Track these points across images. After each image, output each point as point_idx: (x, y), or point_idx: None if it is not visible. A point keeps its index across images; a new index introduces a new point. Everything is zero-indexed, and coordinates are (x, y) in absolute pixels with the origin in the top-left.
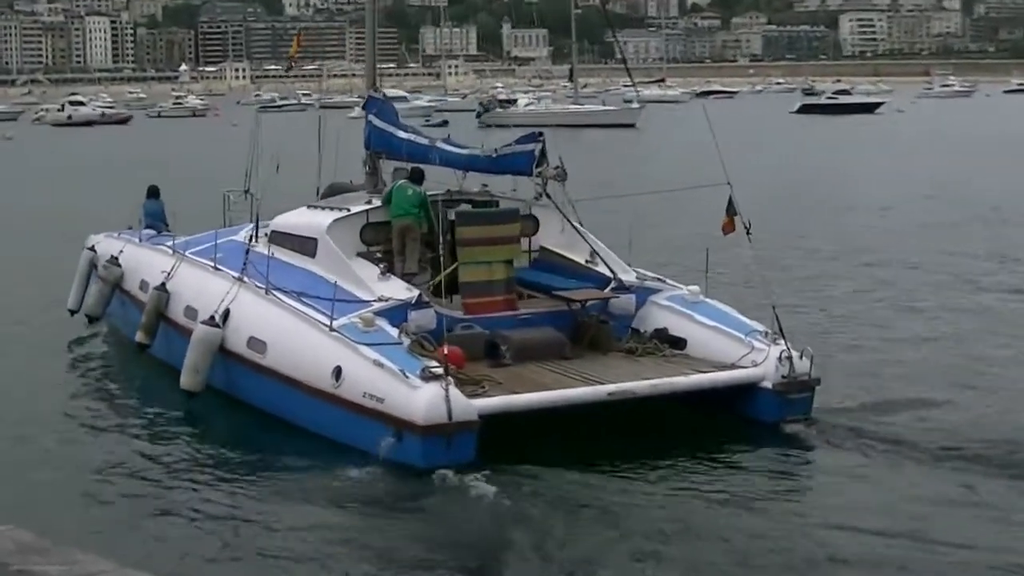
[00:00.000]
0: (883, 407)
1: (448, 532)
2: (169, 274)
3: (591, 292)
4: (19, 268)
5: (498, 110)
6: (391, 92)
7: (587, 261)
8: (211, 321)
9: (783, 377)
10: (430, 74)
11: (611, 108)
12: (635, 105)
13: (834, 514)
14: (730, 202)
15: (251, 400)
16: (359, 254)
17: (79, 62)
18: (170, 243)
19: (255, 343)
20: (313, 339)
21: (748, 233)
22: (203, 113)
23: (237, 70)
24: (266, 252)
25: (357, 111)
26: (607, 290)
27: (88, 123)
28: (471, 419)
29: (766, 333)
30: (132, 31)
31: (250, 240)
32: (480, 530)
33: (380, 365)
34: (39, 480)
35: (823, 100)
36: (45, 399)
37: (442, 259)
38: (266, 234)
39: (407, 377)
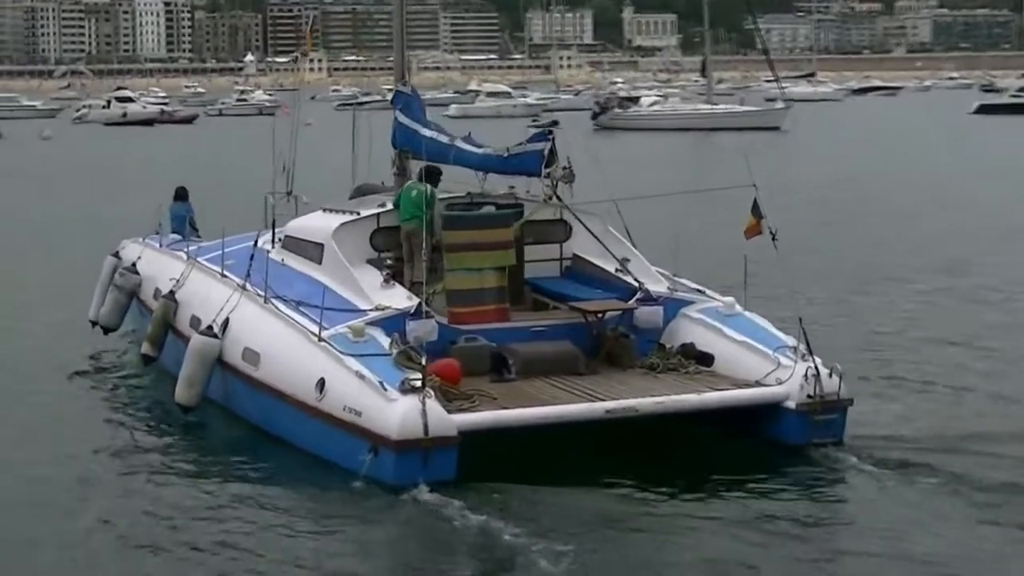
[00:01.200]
0: (925, 432)
1: (408, 554)
2: (179, 282)
3: (608, 303)
4: (54, 275)
5: (617, 110)
6: (491, 88)
7: (617, 270)
8: (208, 331)
9: (809, 396)
10: (538, 67)
11: (751, 108)
12: (780, 104)
13: (855, 545)
14: (755, 204)
15: (246, 415)
16: (369, 261)
17: (127, 51)
18: (188, 249)
19: (249, 354)
20: (301, 350)
21: (774, 239)
22: (271, 111)
23: (312, 61)
24: (277, 258)
25: (454, 109)
26: (632, 301)
27: (146, 122)
28: (449, 435)
29: (795, 348)
30: (189, 15)
31: (254, 244)
32: (440, 553)
33: (361, 377)
34: (7, 500)
35: (1006, 99)
36: (37, 414)
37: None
38: (280, 239)
39: (385, 390)
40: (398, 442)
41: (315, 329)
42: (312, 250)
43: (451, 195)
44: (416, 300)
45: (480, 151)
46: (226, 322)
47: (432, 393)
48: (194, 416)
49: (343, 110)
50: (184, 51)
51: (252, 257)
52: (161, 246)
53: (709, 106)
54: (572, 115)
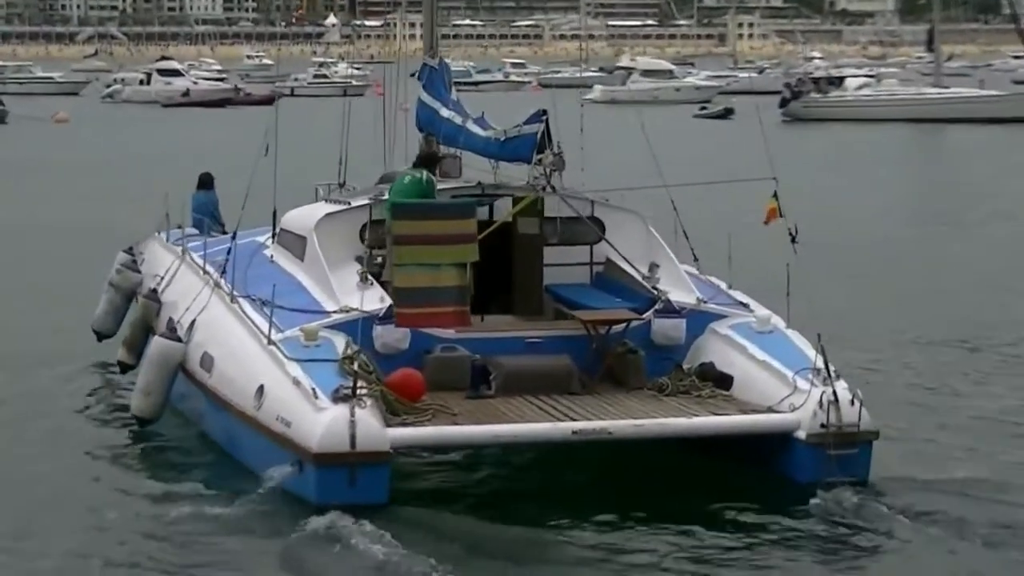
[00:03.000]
0: (973, 475)
1: None
2: (164, 280)
3: (614, 313)
4: (74, 281)
5: (814, 95)
6: (647, 64)
7: (644, 277)
8: (171, 333)
9: (822, 426)
10: (709, 36)
11: (994, 93)
12: None
13: None
14: (775, 195)
15: (201, 426)
16: (358, 257)
17: (172, 9)
18: (186, 243)
19: (207, 359)
20: (249, 354)
21: (794, 241)
22: (359, 91)
23: (413, 26)
24: (268, 254)
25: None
26: (649, 312)
27: (216, 103)
28: (380, 450)
29: (818, 371)
30: None
31: (232, 237)
32: None
33: (297, 384)
34: None
35: None
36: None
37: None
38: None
39: (317, 398)
40: (318, 456)
41: (267, 332)
42: (296, 244)
43: (457, 185)
44: (389, 303)
45: (483, 134)
46: (192, 324)
47: (369, 403)
48: (151, 430)
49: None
50: (246, 11)
51: (229, 251)
52: (168, 240)
53: (937, 90)
54: (754, 101)
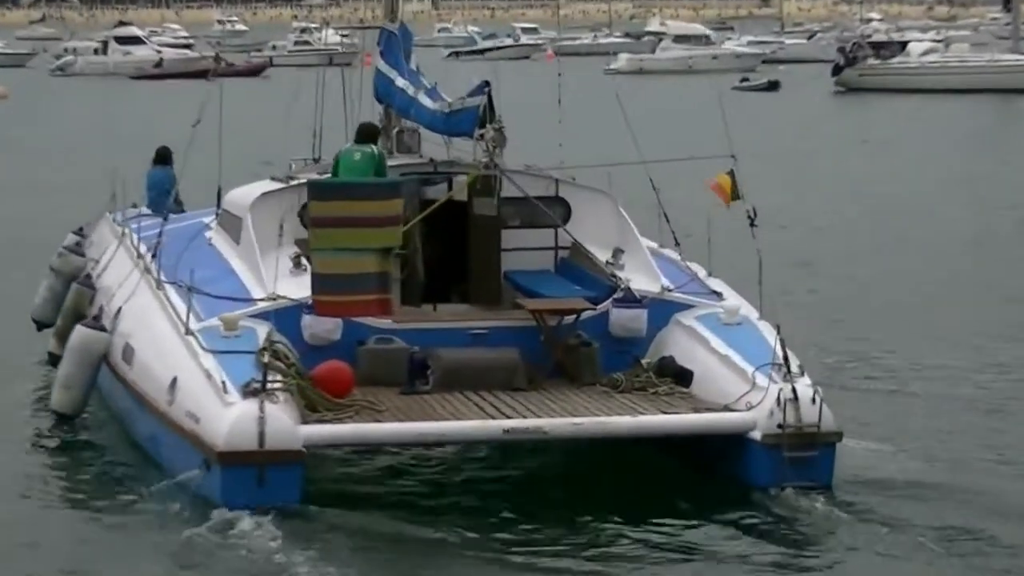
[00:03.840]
0: (950, 479)
1: None
2: (101, 264)
3: (565, 302)
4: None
5: (872, 62)
6: (680, 29)
7: (608, 262)
8: (94, 322)
9: (779, 426)
10: None
11: None
12: None
13: None
14: (732, 176)
15: (123, 423)
16: (299, 241)
17: None
18: (127, 225)
19: (127, 351)
20: (166, 345)
21: (752, 224)
22: (346, 60)
23: None
24: (208, 235)
25: (624, 60)
26: (607, 302)
27: (195, 74)
28: (291, 448)
29: (779, 367)
30: None
31: (164, 219)
32: None
33: (209, 377)
34: None
35: None
36: None
37: (419, 254)
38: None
39: (226, 392)
40: (223, 454)
41: (185, 321)
42: (233, 226)
43: (408, 161)
44: None
45: (432, 107)
46: (118, 312)
47: (281, 398)
48: (72, 426)
49: (455, 60)
50: None
51: (160, 234)
52: (117, 221)
53: (1015, 56)
54: (803, 70)
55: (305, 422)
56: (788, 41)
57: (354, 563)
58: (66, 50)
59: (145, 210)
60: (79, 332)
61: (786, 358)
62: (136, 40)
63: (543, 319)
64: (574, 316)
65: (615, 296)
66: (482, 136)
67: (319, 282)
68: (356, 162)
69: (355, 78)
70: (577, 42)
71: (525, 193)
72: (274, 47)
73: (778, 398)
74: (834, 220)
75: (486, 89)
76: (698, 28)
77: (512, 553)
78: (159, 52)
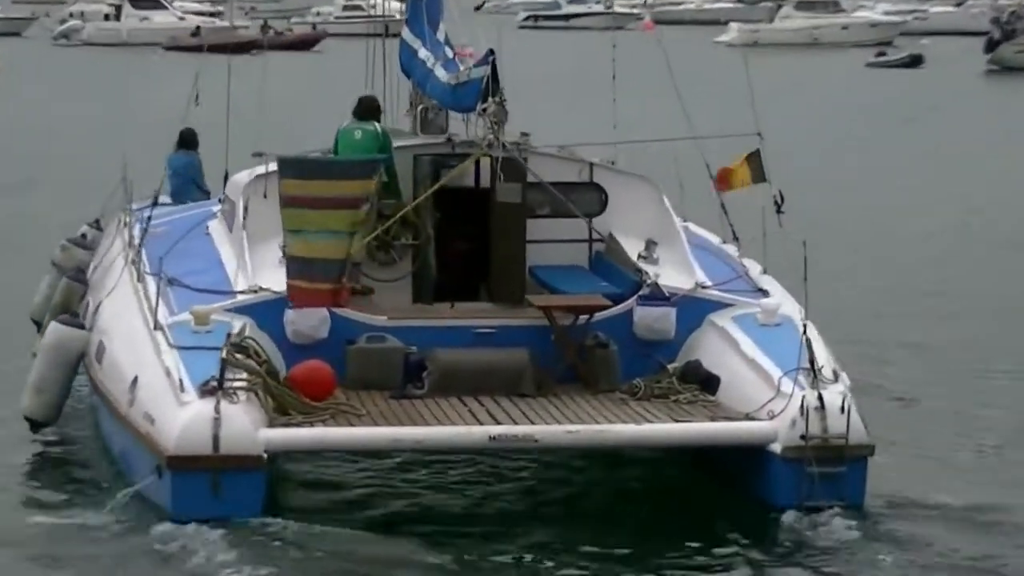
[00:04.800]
0: (981, 499)
1: None
2: (96, 259)
3: (574, 299)
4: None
5: None
6: None
7: (640, 255)
8: (70, 319)
9: (801, 438)
10: None
11: None
12: None
13: None
14: (755, 156)
15: (94, 427)
16: None
17: None
18: (131, 215)
19: (100, 349)
20: (134, 341)
21: (779, 211)
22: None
23: None
24: (207, 223)
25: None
26: (632, 300)
27: (239, 47)
28: (250, 454)
29: (808, 372)
30: None
31: (152, 204)
32: None
33: (168, 375)
34: None
35: None
36: None
37: (431, 245)
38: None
39: (183, 391)
40: (172, 459)
41: (153, 315)
42: (230, 212)
43: (422, 142)
44: None
45: (443, 80)
46: (98, 308)
47: (243, 398)
48: (45, 434)
49: (532, 28)
50: None
51: (147, 223)
52: (131, 210)
53: None
54: (950, 44)
55: (272, 426)
56: (933, 9)
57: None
58: (71, 15)
59: (165, 198)
60: (53, 329)
61: (813, 361)
62: (155, 3)
63: (553, 317)
64: (589, 316)
65: (640, 293)
66: (484, 111)
67: (294, 266)
68: (357, 141)
69: None
70: (680, 7)
71: (538, 177)
72: (318, 13)
73: (802, 406)
74: (971, 225)
75: (491, 58)
76: None
77: (494, 570)
78: (182, 18)
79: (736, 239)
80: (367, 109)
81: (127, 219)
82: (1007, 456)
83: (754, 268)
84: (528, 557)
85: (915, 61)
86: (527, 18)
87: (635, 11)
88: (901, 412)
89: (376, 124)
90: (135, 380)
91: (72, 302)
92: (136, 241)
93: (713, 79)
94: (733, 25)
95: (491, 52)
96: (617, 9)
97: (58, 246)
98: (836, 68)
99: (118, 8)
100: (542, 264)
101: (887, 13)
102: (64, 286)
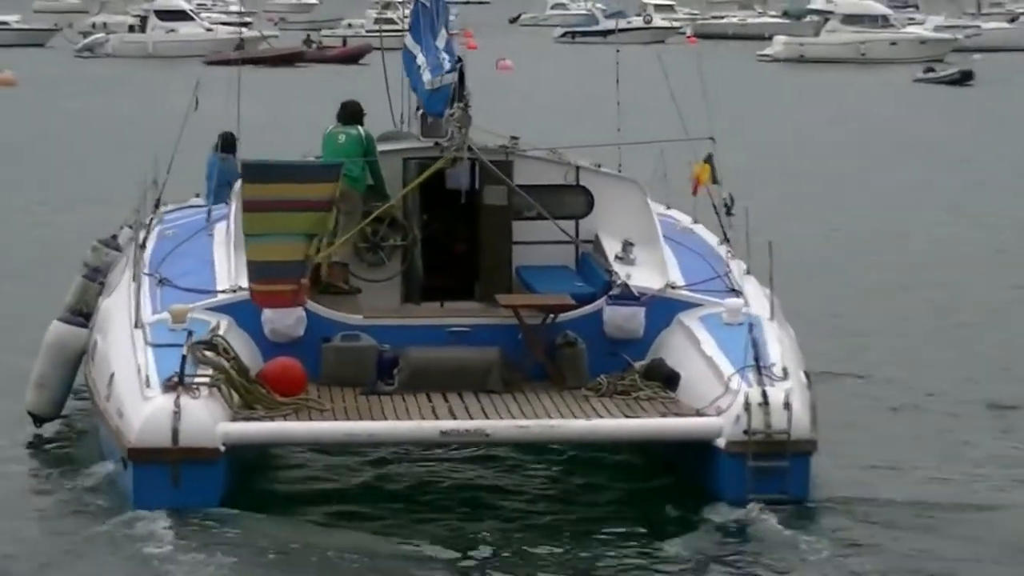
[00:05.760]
0: (937, 496)
1: None
2: (119, 259)
3: (541, 298)
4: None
5: None
6: (851, 7)
7: (617, 256)
8: (71, 318)
9: (745, 433)
10: None
11: None
12: None
13: None
14: (710, 159)
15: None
16: None
17: None
18: (169, 215)
19: (92, 347)
20: (117, 339)
21: (729, 212)
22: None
23: None
24: (213, 224)
25: (780, 45)
26: (602, 300)
27: (280, 59)
28: (208, 446)
29: (760, 369)
30: None
31: (155, 206)
32: None
33: (139, 371)
34: None
35: None
36: None
37: (418, 244)
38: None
39: (148, 386)
40: (133, 451)
41: (140, 313)
42: (228, 214)
43: (411, 145)
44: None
45: (425, 85)
46: (100, 307)
47: (204, 393)
48: (43, 430)
49: (570, 43)
50: None
51: (150, 224)
52: (162, 210)
53: None
54: (1004, 60)
55: (235, 420)
56: (986, 25)
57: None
58: (94, 26)
59: (196, 200)
60: (54, 327)
61: (758, 359)
62: (182, 15)
63: (521, 316)
64: (554, 315)
65: (610, 293)
66: (451, 115)
67: (254, 270)
68: (341, 145)
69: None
70: (723, 21)
71: (506, 180)
72: (349, 25)
73: (746, 402)
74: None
75: (458, 65)
76: (874, 6)
77: (442, 563)
78: (210, 29)
79: (726, 240)
80: (351, 114)
81: (149, 221)
82: (963, 455)
83: (738, 268)
84: (476, 549)
85: (965, 77)
86: (564, 33)
87: (676, 25)
88: (867, 409)
89: (360, 128)
90: (112, 376)
91: (86, 301)
92: (142, 242)
93: (759, 95)
94: (778, 38)
95: (459, 60)
96: (658, 23)
97: (89, 247)
98: (882, 83)
99: (143, 20)
100: (529, 265)
101: (939, 28)
102: (79, 285)
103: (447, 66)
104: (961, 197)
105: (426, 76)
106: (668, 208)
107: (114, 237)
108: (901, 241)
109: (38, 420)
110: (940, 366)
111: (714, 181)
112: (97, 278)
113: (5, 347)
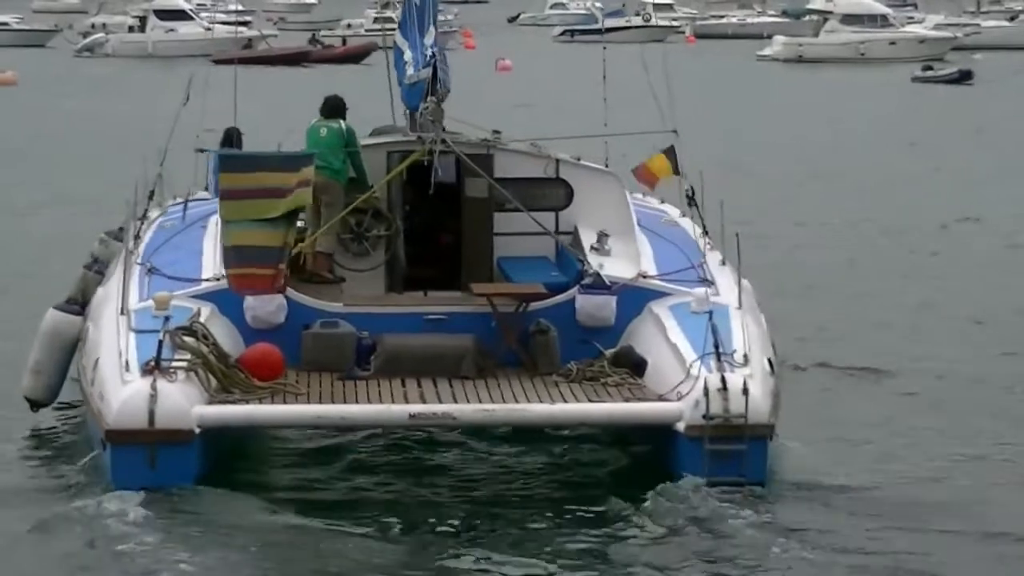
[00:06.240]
0: (879, 473)
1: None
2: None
3: (514, 287)
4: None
5: None
6: (849, 6)
7: (593, 247)
8: (68, 304)
9: (704, 417)
10: None
11: None
12: None
13: None
14: (671, 151)
15: None
16: None
17: None
18: (177, 208)
19: (85, 334)
20: (104, 326)
21: (691, 204)
22: (442, 40)
23: None
24: (205, 214)
25: (779, 45)
26: (574, 289)
27: (287, 59)
28: (182, 428)
29: (720, 356)
30: None
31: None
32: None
33: (119, 356)
34: None
35: None
36: None
37: (400, 237)
38: None
39: (127, 371)
40: (112, 433)
41: (127, 301)
42: None
43: (395, 139)
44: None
45: (404, 80)
46: (95, 296)
47: (181, 377)
48: (44, 415)
49: (567, 42)
50: None
51: (144, 215)
52: (164, 204)
53: None
54: (1004, 59)
55: (211, 403)
56: (985, 23)
57: (216, 551)
58: (94, 26)
59: (203, 194)
60: (49, 315)
61: (718, 346)
62: (182, 14)
63: (494, 304)
64: (526, 303)
65: (583, 283)
66: (425, 109)
67: (230, 255)
68: (322, 138)
69: (453, 61)
70: (723, 21)
71: (477, 169)
72: (348, 25)
73: (705, 388)
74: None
75: (431, 61)
76: (873, 5)
77: (405, 544)
78: (208, 28)
79: (705, 232)
80: (332, 108)
81: (144, 213)
82: (928, 442)
83: (714, 259)
84: (447, 530)
85: (964, 76)
86: (563, 32)
87: (675, 24)
88: (837, 395)
89: (341, 122)
90: (96, 361)
91: (87, 291)
92: (136, 233)
93: (757, 94)
94: (778, 38)
95: (433, 55)
96: (658, 22)
97: (97, 239)
98: (881, 83)
99: (143, 19)
100: (509, 256)
101: (938, 27)
102: (82, 276)
103: (421, 58)
104: (958, 196)
105: (410, 72)
106: (662, 202)
107: (121, 230)
108: (895, 238)
109: (35, 405)
110: (917, 358)
111: (676, 172)
112: (98, 269)
113: (8, 336)
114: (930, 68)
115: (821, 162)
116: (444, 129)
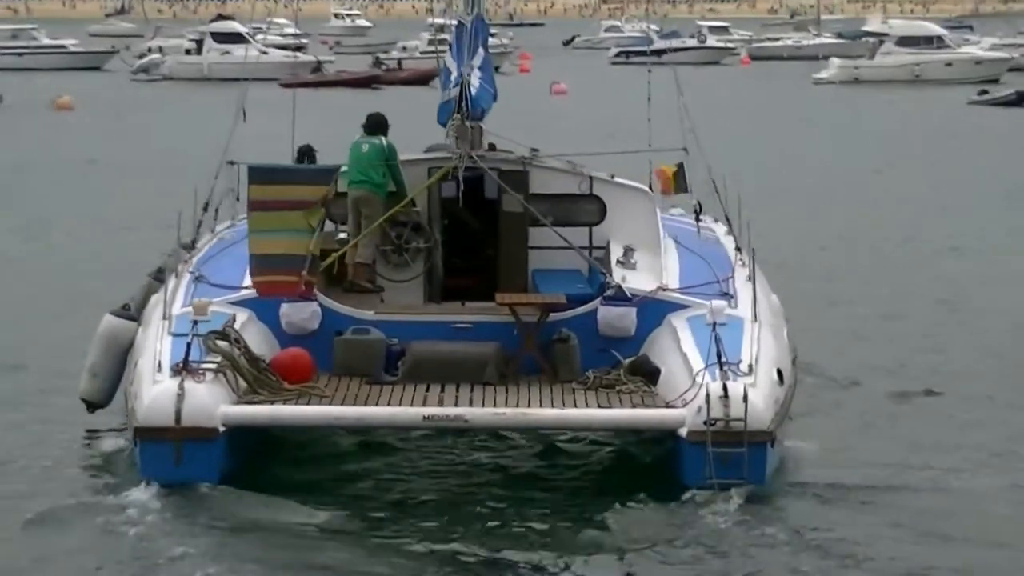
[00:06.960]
0: (891, 481)
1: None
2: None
3: (535, 297)
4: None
5: None
6: (905, 28)
7: (619, 260)
8: (123, 311)
9: (704, 423)
10: None
11: None
12: None
13: None
14: (680, 170)
15: None
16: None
17: None
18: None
19: (135, 338)
20: (148, 331)
21: (698, 219)
22: (496, 63)
23: None
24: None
25: (835, 68)
26: (597, 300)
27: (355, 83)
28: (207, 426)
29: (723, 365)
30: None
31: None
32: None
33: (154, 358)
34: None
35: None
36: None
37: (439, 247)
38: None
39: (159, 371)
40: (141, 430)
41: (170, 307)
42: None
43: (435, 156)
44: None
45: (443, 101)
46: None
47: (210, 378)
48: (96, 416)
49: (623, 63)
50: None
51: (200, 225)
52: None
53: None
54: None
55: (239, 403)
56: None
57: (235, 549)
58: (150, 49)
59: None
60: (106, 320)
61: (720, 355)
62: (238, 37)
63: (517, 314)
64: (548, 313)
65: (605, 294)
66: (452, 127)
67: (256, 263)
68: (364, 154)
69: (508, 84)
70: (778, 44)
71: (505, 188)
72: (404, 47)
73: (708, 395)
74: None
75: (460, 80)
76: (929, 27)
77: (422, 544)
78: (264, 52)
79: (739, 249)
80: (375, 124)
81: (198, 225)
82: (930, 446)
83: (742, 275)
84: (451, 535)
85: (1021, 99)
86: (618, 54)
87: (730, 46)
88: (839, 401)
89: (383, 138)
90: (135, 365)
91: (147, 298)
92: (190, 243)
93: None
94: (834, 61)
95: (460, 75)
96: (713, 44)
97: (171, 250)
98: (936, 105)
99: (199, 42)
100: (543, 268)
101: (994, 47)
102: (146, 284)
103: (477, 84)
104: (1009, 220)
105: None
106: (716, 221)
107: (193, 242)
108: (940, 260)
109: (91, 406)
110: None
111: (684, 190)
112: (160, 277)
113: (76, 344)
114: (986, 92)
115: (875, 185)
116: (492, 146)
